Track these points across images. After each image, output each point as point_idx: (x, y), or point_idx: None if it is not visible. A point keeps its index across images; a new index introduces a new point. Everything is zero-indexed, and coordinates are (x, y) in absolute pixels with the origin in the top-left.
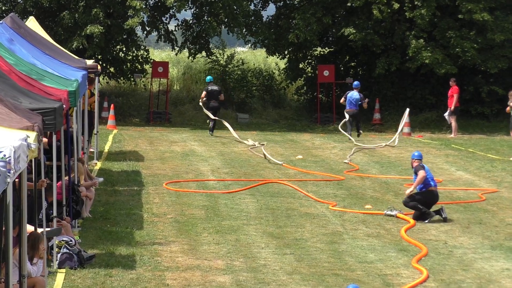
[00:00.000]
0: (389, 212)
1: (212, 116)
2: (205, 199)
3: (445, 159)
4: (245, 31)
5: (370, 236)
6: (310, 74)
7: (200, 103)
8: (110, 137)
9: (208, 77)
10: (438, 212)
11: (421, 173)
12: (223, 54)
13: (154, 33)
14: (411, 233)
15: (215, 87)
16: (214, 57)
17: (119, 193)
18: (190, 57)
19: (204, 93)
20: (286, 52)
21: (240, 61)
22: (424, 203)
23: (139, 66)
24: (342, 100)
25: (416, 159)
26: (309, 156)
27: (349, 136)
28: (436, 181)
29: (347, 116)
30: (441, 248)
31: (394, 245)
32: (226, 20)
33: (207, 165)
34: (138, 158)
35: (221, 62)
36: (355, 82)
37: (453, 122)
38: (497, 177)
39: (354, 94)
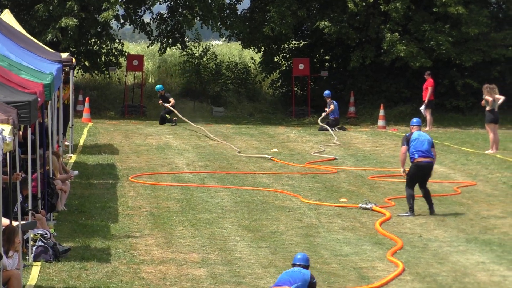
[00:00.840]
0: (364, 206)
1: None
2: (180, 192)
3: None
4: (220, 24)
5: (345, 229)
6: (285, 68)
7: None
8: (85, 130)
9: (160, 85)
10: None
11: (401, 149)
12: (198, 47)
13: (129, 26)
14: (386, 226)
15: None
16: (189, 50)
17: (94, 186)
18: (160, 52)
19: (172, 99)
20: (261, 45)
21: (213, 54)
22: (412, 176)
23: (114, 59)
24: (330, 109)
25: (412, 125)
26: (285, 149)
27: (332, 131)
28: (427, 152)
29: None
30: (416, 241)
31: (369, 238)
32: (201, 13)
33: (182, 158)
34: (113, 151)
35: (196, 55)
36: (328, 92)
37: (428, 115)
38: (472, 170)
39: (335, 103)
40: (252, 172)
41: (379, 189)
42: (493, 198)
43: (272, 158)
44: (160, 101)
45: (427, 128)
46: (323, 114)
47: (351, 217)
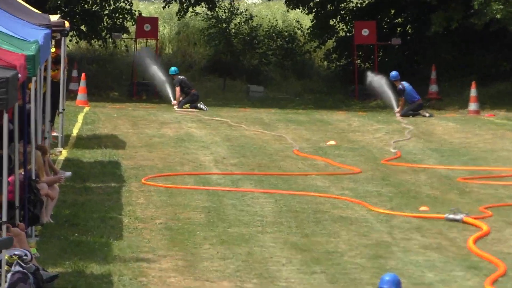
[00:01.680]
0: (452, 216)
1: (204, 107)
2: (206, 198)
3: None
4: None
5: (427, 248)
6: (344, 34)
7: (177, 108)
8: (80, 117)
9: (174, 68)
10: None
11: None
12: (231, 8)
13: None
14: (484, 244)
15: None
16: (216, 12)
17: (91, 191)
18: (179, 14)
19: (178, 89)
20: (312, 5)
21: (248, 15)
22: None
23: (119, 23)
24: (401, 101)
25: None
26: (345, 141)
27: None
28: None
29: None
30: None
31: (460, 260)
32: None
33: (209, 153)
34: (117, 145)
35: (223, 17)
36: (394, 74)
37: None
38: None
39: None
40: (303, 173)
41: (472, 195)
42: None
43: (295, 151)
44: (177, 90)
45: None
46: (398, 109)
47: (435, 232)
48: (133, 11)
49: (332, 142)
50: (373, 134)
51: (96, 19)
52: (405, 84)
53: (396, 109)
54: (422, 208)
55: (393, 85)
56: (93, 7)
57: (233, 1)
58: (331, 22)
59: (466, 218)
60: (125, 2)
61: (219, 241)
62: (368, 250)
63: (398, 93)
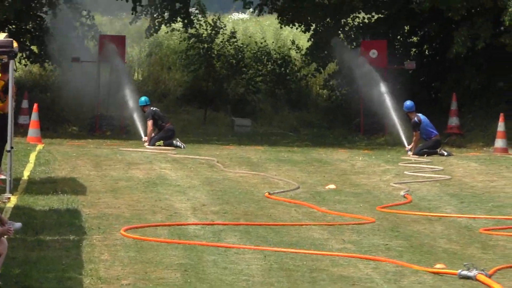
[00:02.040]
0: (465, 273)
1: (180, 145)
2: (182, 254)
3: None
4: None
5: None
6: (348, 55)
7: (147, 145)
8: (32, 157)
9: (144, 98)
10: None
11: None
12: (214, 23)
13: None
14: None
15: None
16: (196, 30)
17: (46, 246)
18: (149, 31)
19: (150, 123)
20: (309, 20)
21: (233, 34)
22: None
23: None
24: (414, 137)
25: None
26: (347, 185)
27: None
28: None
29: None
30: None
31: None
32: None
33: (186, 200)
34: (76, 190)
35: (204, 35)
36: (409, 104)
37: None
38: None
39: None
40: (296, 223)
41: (497, 249)
42: None
43: (267, 194)
44: (149, 124)
45: None
46: (409, 146)
47: None
48: (94, 29)
49: (332, 186)
50: (380, 176)
51: (50, 38)
52: (421, 116)
53: (408, 146)
54: (438, 266)
55: (407, 117)
56: (47, 23)
57: (219, 18)
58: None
59: (480, 275)
60: (86, 16)
61: None
62: None
63: (413, 126)
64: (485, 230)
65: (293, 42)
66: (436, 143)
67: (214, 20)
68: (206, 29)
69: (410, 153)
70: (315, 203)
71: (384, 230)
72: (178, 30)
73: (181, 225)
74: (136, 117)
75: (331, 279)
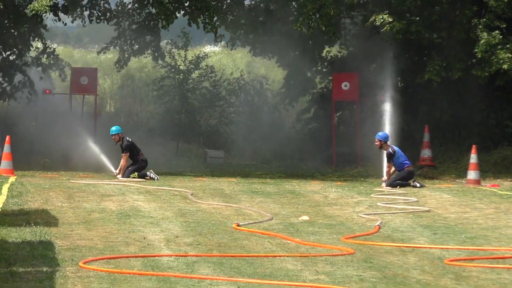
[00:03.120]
0: None
1: (154, 176)
2: (155, 285)
3: None
4: (216, 21)
5: None
6: (320, 88)
7: (120, 176)
8: (5, 189)
9: (116, 127)
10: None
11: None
12: (184, 55)
13: (71, 23)
14: None
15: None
16: (170, 61)
17: (18, 278)
18: (119, 64)
19: (126, 156)
20: (282, 53)
21: (208, 68)
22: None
23: (50, 74)
24: (387, 169)
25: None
26: (320, 216)
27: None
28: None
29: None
30: None
31: None
32: (187, 3)
33: (159, 231)
34: (49, 222)
35: (181, 67)
36: (384, 134)
37: None
38: None
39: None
40: (270, 255)
41: (470, 280)
42: None
43: (235, 225)
44: (125, 157)
45: None
46: (384, 178)
47: None
48: (64, 61)
49: (305, 218)
50: (353, 207)
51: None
52: (395, 147)
53: (385, 177)
54: None
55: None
56: (16, 54)
57: (205, 56)
58: (306, 75)
59: None
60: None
61: None
62: None
63: (387, 158)
64: (452, 260)
65: (264, 78)
66: (410, 174)
67: (196, 54)
68: (184, 62)
69: (384, 184)
70: (289, 234)
71: (357, 261)
72: (153, 59)
73: (154, 256)
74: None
75: None
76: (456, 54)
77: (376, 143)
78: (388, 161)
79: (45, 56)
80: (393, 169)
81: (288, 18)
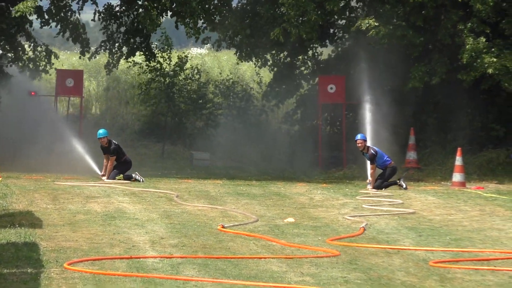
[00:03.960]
0: None
1: (139, 178)
2: (140, 286)
3: None
4: (203, 23)
5: None
6: (306, 91)
7: (106, 178)
8: None
9: (103, 130)
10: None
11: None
12: (168, 57)
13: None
14: None
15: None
16: (156, 64)
17: (3, 279)
18: (109, 67)
19: (113, 158)
20: (268, 56)
21: (195, 69)
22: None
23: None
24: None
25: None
26: (305, 218)
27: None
28: None
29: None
30: None
31: None
32: (173, 5)
33: (144, 233)
34: (34, 223)
35: (166, 70)
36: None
37: None
38: None
39: (376, 149)
40: (255, 256)
41: (455, 282)
42: None
43: (221, 226)
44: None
45: None
46: (368, 180)
47: None
48: (51, 63)
49: (291, 219)
50: (338, 209)
51: (3, 73)
52: (375, 148)
53: (369, 179)
54: None
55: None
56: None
57: (186, 56)
58: (293, 77)
59: None
60: (41, 47)
61: None
62: None
63: (370, 159)
64: (437, 262)
65: (253, 79)
66: (394, 170)
67: (181, 56)
68: (169, 64)
69: (369, 186)
70: (274, 236)
71: (342, 263)
72: (140, 64)
73: (139, 258)
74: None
75: None
76: (440, 58)
77: (359, 144)
78: (372, 162)
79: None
80: (370, 178)
81: (275, 20)
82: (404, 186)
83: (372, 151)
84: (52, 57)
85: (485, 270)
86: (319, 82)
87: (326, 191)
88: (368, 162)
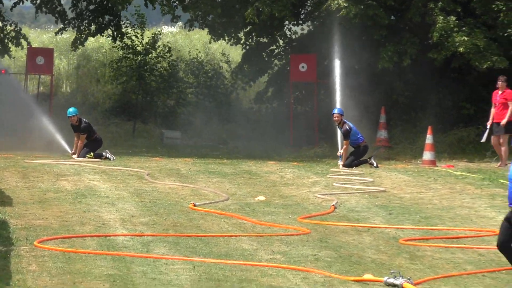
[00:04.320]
0: (391, 281)
1: (110, 156)
2: (110, 265)
3: (489, 203)
4: (173, 2)
5: None
6: (278, 69)
7: (76, 156)
8: None
9: (73, 109)
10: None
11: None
12: (141, 36)
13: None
14: None
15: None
16: (128, 41)
17: None
18: (76, 44)
19: (84, 137)
20: (240, 35)
21: (166, 47)
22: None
23: (7, 55)
24: (345, 145)
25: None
26: (276, 196)
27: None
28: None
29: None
30: None
31: None
32: None
33: (114, 211)
34: (3, 201)
35: (138, 49)
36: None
37: (503, 146)
38: None
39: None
40: (226, 234)
41: (425, 260)
42: None
43: (192, 205)
44: (83, 138)
45: (499, 164)
46: (339, 153)
47: None
48: (21, 40)
49: (262, 198)
50: (309, 188)
51: None
52: (350, 124)
53: (341, 151)
54: (366, 276)
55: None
56: None
57: (158, 35)
58: (264, 56)
59: (407, 284)
60: (11, 26)
61: None
62: None
63: (344, 135)
64: (406, 240)
65: (223, 55)
66: (365, 149)
67: (153, 34)
68: (141, 42)
69: (340, 162)
70: (245, 214)
71: (313, 241)
72: (112, 39)
73: (110, 236)
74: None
75: None
76: (410, 38)
77: (336, 119)
78: (346, 138)
79: (7, 37)
80: (342, 151)
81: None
82: (375, 164)
83: (347, 127)
84: (21, 39)
85: (455, 248)
86: (290, 61)
87: (297, 169)
88: (342, 138)
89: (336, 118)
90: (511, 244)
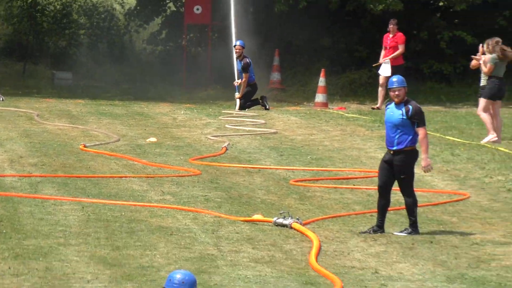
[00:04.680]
0: (280, 221)
1: (0, 97)
2: None
3: (379, 144)
4: None
5: (258, 261)
6: (172, 12)
7: None
8: None
9: None
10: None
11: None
12: None
13: None
14: (325, 258)
15: None
16: None
17: None
18: None
19: None
20: None
21: None
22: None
23: None
24: (244, 79)
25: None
26: (168, 138)
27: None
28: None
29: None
30: (368, 281)
31: (295, 275)
32: None
33: (3, 151)
34: None
35: None
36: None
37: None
38: (459, 171)
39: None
40: (116, 175)
41: (314, 200)
42: (491, 214)
43: (82, 146)
44: None
45: (376, 107)
46: (236, 82)
47: (269, 243)
48: None
49: (153, 139)
50: (201, 129)
51: None
52: (248, 60)
53: (238, 80)
54: (256, 216)
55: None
56: None
57: None
58: None
59: (296, 223)
60: None
61: (12, 254)
62: (189, 264)
63: (244, 68)
64: (297, 181)
65: (119, 1)
66: (255, 87)
67: None
68: None
69: (237, 94)
70: (136, 155)
71: (203, 182)
72: None
73: None
74: None
75: (149, 229)
76: None
77: (237, 50)
78: (245, 71)
79: None
80: (239, 81)
81: None
82: (267, 106)
83: (248, 60)
84: None
85: (344, 188)
86: (185, 3)
87: (189, 111)
88: (241, 71)
89: (238, 50)
90: (391, 186)
